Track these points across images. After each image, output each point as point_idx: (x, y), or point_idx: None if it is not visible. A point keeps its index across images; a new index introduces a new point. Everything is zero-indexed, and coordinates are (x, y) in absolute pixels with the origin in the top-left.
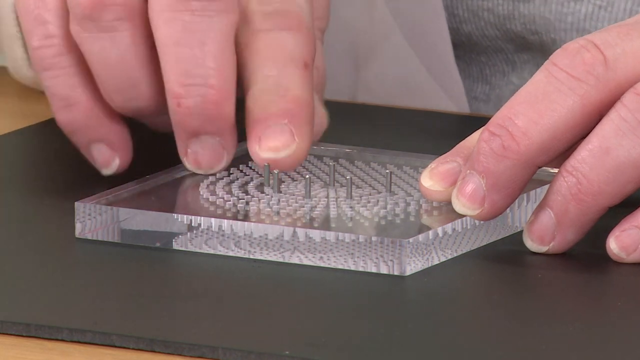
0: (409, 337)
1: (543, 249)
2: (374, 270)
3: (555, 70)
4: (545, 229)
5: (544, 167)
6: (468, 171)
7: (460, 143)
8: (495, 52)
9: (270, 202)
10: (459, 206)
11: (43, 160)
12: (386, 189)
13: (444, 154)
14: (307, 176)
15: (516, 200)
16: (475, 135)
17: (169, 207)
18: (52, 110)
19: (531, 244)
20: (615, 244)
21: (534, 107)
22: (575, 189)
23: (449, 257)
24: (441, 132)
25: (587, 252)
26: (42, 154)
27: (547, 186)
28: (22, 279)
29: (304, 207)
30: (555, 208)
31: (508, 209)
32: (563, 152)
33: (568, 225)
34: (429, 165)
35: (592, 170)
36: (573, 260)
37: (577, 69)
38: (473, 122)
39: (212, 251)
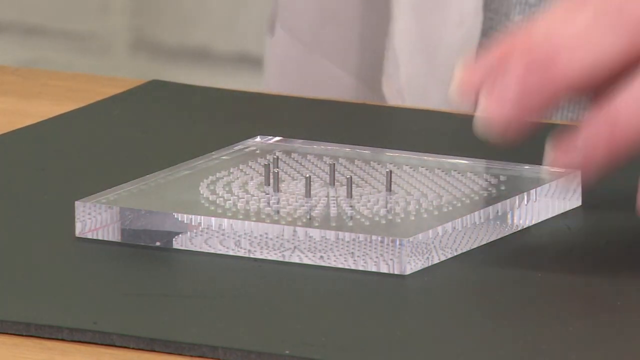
0: (409, 337)
1: (570, 176)
2: (374, 269)
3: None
4: (572, 161)
5: (544, 167)
6: (502, 73)
7: (496, 49)
8: None
9: (270, 201)
10: (483, 106)
11: (43, 160)
12: (386, 188)
13: (443, 152)
14: (307, 175)
15: (516, 200)
16: (510, 43)
17: (169, 206)
18: None
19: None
20: None
21: (581, 30)
22: (610, 132)
23: (449, 256)
24: (441, 131)
25: (587, 252)
26: (43, 153)
27: (547, 185)
28: (22, 279)
29: (304, 206)
30: (585, 142)
31: (508, 208)
32: (598, 87)
33: (593, 164)
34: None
35: (629, 118)
36: (573, 260)
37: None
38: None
39: (212, 250)
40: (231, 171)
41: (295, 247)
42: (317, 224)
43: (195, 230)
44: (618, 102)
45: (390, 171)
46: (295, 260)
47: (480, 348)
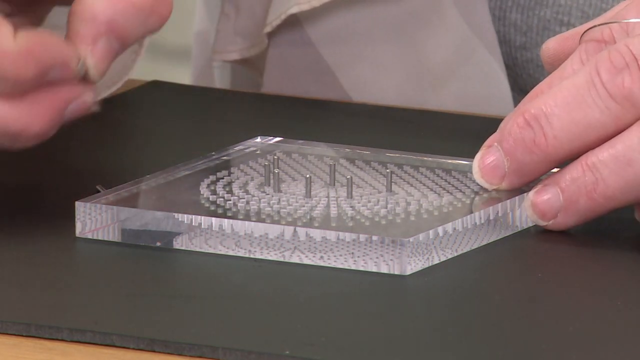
0: (409, 337)
1: (542, 223)
2: (374, 269)
3: (597, 82)
4: (550, 208)
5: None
6: (495, 144)
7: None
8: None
9: (271, 202)
10: (477, 176)
11: (43, 160)
12: (386, 189)
13: (443, 153)
14: (307, 176)
15: (516, 200)
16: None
17: (170, 206)
18: None
19: (532, 216)
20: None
21: (571, 114)
22: (591, 187)
23: (449, 256)
24: (442, 131)
25: (587, 251)
26: (42, 153)
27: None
28: (22, 279)
29: (304, 206)
30: (566, 194)
31: (508, 209)
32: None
33: (573, 213)
34: (479, 152)
35: (611, 176)
36: (573, 260)
37: (616, 91)
38: (473, 122)
39: (212, 251)
40: (231, 171)
41: (295, 248)
42: (317, 225)
43: (195, 231)
44: (600, 158)
45: (391, 172)
46: (296, 260)
47: (480, 348)
